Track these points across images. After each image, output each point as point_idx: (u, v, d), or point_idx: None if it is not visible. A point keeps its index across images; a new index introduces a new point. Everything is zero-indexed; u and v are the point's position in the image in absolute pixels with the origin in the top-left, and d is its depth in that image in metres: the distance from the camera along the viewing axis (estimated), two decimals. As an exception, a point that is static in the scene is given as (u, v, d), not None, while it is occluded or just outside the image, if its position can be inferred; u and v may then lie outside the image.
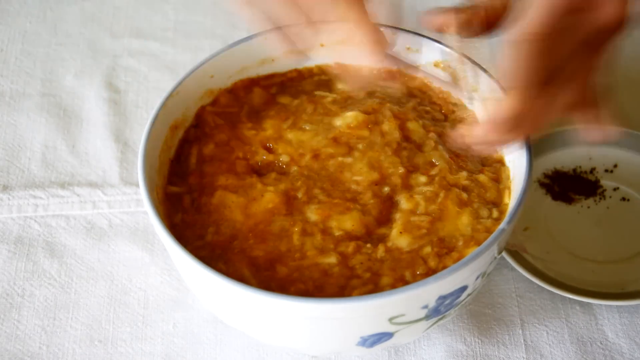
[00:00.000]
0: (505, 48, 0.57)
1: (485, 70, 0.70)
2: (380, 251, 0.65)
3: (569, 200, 0.84)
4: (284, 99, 0.76)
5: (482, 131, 0.60)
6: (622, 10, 0.58)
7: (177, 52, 1.00)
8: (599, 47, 0.60)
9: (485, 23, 0.64)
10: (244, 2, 0.66)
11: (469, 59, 0.69)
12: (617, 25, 0.60)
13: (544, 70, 0.57)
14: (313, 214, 0.67)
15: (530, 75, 0.56)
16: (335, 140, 0.71)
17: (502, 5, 0.64)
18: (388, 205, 0.68)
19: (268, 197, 0.68)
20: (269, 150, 0.72)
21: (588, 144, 0.87)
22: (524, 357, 0.74)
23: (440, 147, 0.71)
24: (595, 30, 0.59)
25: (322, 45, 0.77)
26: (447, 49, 0.72)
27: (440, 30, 0.65)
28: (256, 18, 0.66)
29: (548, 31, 0.56)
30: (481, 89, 0.67)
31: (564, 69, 0.58)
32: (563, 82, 0.59)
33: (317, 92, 0.76)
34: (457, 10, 0.64)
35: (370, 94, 0.76)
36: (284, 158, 0.71)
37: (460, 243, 0.65)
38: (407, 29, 0.75)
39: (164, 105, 0.71)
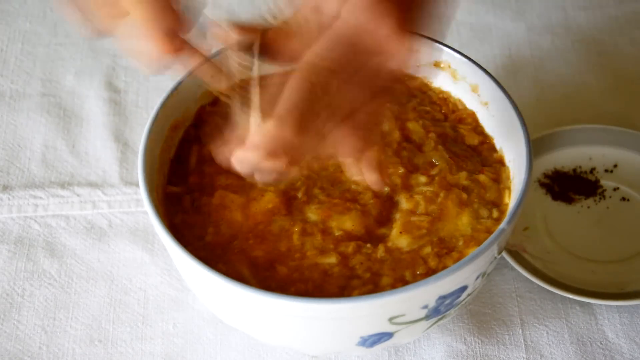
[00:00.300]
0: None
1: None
2: (380, 251, 0.65)
3: (569, 200, 0.84)
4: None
5: (240, 154, 0.56)
6: (406, 66, 0.57)
7: (177, 52, 1.00)
8: (382, 93, 0.58)
9: (273, 48, 0.61)
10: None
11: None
12: (400, 79, 0.59)
13: (317, 102, 0.55)
14: (313, 214, 0.67)
15: (299, 105, 0.54)
16: (335, 140, 0.71)
17: (309, 32, 0.60)
18: (388, 206, 0.68)
19: (268, 197, 0.68)
20: (269, 150, 0.72)
21: (588, 144, 0.87)
22: (524, 357, 0.74)
23: (440, 147, 0.71)
24: (381, 77, 0.57)
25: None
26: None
27: (226, 45, 0.61)
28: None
29: (331, 65, 0.55)
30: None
31: (341, 106, 0.56)
32: (338, 118, 0.57)
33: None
34: (245, 29, 0.61)
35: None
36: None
37: (460, 243, 0.66)
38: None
39: (164, 105, 0.71)
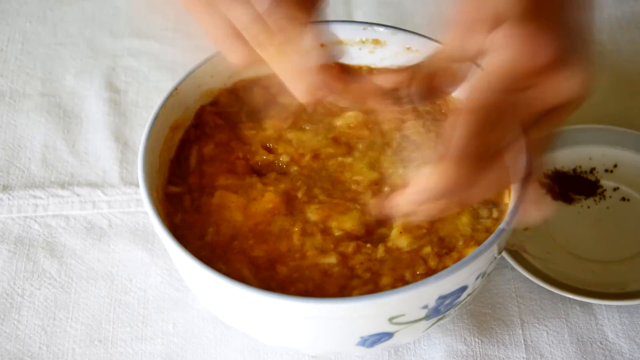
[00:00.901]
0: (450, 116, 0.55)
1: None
2: (380, 251, 0.65)
3: (569, 200, 0.84)
4: (284, 99, 0.76)
5: (408, 201, 0.57)
6: (584, 90, 0.55)
7: (177, 52, 1.00)
8: (551, 124, 0.58)
9: (427, 88, 0.60)
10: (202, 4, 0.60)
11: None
12: (577, 104, 0.57)
13: (487, 142, 0.54)
14: (313, 214, 0.67)
15: (465, 148, 0.54)
16: (336, 140, 0.71)
17: (448, 72, 0.60)
18: (388, 205, 0.68)
19: (268, 197, 0.68)
20: (269, 150, 0.72)
21: (588, 144, 0.87)
22: (524, 357, 0.74)
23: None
24: (551, 108, 0.56)
25: (322, 45, 0.77)
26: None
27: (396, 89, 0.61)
28: (215, 25, 0.61)
29: (491, 106, 0.54)
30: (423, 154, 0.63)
31: (499, 142, 0.55)
32: (495, 154, 0.56)
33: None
34: (414, 74, 0.60)
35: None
36: (284, 158, 0.71)
37: (460, 243, 0.66)
38: (407, 29, 0.75)
39: (164, 105, 0.71)
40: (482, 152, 0.54)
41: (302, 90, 0.60)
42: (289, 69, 0.60)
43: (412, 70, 0.60)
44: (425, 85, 0.60)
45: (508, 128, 0.55)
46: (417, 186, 0.55)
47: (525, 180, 0.58)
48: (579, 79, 0.55)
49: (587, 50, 0.57)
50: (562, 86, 0.55)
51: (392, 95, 0.62)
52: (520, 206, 0.59)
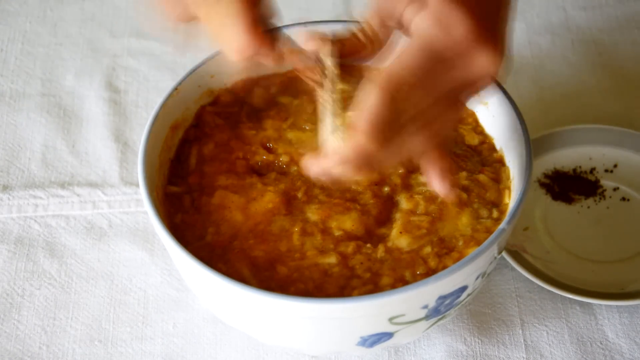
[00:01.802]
0: (367, 85, 0.56)
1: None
2: (380, 251, 0.65)
3: (569, 200, 0.84)
4: (284, 99, 0.76)
5: (323, 164, 0.59)
6: (494, 71, 0.57)
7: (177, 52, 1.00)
8: (461, 100, 0.59)
9: (360, 53, 0.63)
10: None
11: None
12: (485, 84, 0.59)
13: (399, 115, 0.56)
14: (313, 214, 0.67)
15: (383, 119, 0.55)
16: (335, 140, 0.71)
17: (379, 39, 0.62)
18: (388, 205, 0.68)
19: (268, 197, 0.68)
20: (269, 150, 0.72)
21: (588, 144, 0.87)
22: (524, 357, 0.74)
23: (440, 147, 0.71)
24: (462, 85, 0.58)
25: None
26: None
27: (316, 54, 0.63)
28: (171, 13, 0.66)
29: (411, 79, 0.56)
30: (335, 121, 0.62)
31: (421, 117, 0.57)
32: (417, 129, 0.57)
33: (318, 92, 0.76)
34: (333, 40, 0.62)
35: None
36: (284, 158, 0.71)
37: (460, 243, 0.66)
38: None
39: (164, 105, 0.71)
40: (393, 124, 0.56)
41: (232, 48, 0.63)
42: (220, 28, 0.63)
43: (333, 35, 0.63)
44: (344, 49, 0.62)
45: (422, 103, 0.57)
46: (330, 155, 0.58)
47: (438, 151, 0.61)
48: (492, 58, 0.57)
49: (502, 31, 0.59)
50: (476, 64, 0.57)
51: (314, 57, 0.64)
52: (430, 175, 0.62)
